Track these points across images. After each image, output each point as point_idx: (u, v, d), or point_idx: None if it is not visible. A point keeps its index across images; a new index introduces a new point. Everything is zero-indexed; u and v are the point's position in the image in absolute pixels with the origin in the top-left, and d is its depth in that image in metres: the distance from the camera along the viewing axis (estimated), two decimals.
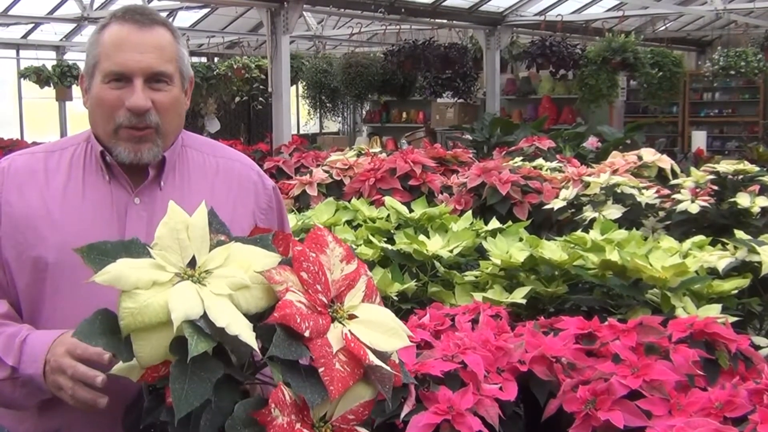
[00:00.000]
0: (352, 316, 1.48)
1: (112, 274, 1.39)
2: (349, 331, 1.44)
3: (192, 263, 1.46)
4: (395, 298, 2.97)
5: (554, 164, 5.56)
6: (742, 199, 3.96)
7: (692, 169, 4.68)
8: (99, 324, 1.41)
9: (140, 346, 1.38)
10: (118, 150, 1.86)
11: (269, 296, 1.44)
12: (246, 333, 1.37)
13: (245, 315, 1.42)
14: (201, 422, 1.36)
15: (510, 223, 3.65)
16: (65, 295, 1.80)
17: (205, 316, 1.37)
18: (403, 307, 2.96)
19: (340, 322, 1.46)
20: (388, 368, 1.44)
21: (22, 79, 13.14)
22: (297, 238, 3.37)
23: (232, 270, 1.45)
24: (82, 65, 2.00)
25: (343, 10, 11.15)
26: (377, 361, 1.42)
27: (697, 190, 4.14)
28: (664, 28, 15.79)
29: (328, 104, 14.05)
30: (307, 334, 1.40)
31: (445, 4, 11.97)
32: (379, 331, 1.48)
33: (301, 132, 16.83)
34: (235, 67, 12.50)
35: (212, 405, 1.37)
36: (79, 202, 1.87)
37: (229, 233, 1.56)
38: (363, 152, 6.39)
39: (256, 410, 1.37)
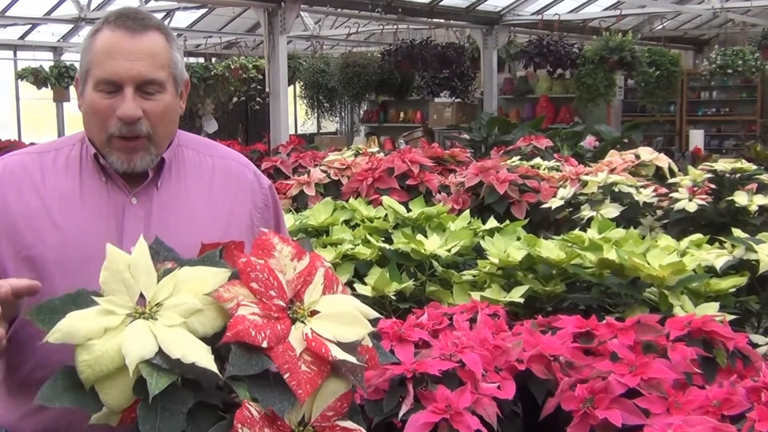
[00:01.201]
0: (314, 312, 1.47)
1: (63, 331, 1.38)
2: (311, 329, 1.43)
3: (142, 299, 1.44)
4: (393, 297, 2.97)
5: (552, 163, 5.56)
6: (740, 198, 3.96)
7: (690, 167, 4.68)
8: (61, 383, 1.39)
9: (106, 394, 1.36)
10: (111, 159, 1.85)
11: (224, 314, 1.42)
12: (203, 358, 1.35)
13: (205, 338, 1.40)
14: None
15: (508, 222, 3.65)
16: (62, 294, 1.79)
17: (160, 351, 1.35)
18: (401, 306, 2.96)
19: (301, 322, 1.44)
20: (352, 359, 1.42)
21: (19, 80, 13.13)
22: (295, 238, 3.37)
23: (182, 297, 1.43)
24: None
25: (340, 10, 11.15)
26: (341, 355, 1.41)
27: (695, 189, 4.14)
28: (661, 26, 15.79)
29: (325, 104, 14.06)
30: (264, 344, 1.38)
31: (442, 3, 11.98)
32: (342, 321, 1.47)
33: (299, 132, 16.85)
34: (232, 67, 12.49)
35: None
36: (78, 202, 1.86)
37: (177, 258, 1.54)
38: (361, 152, 6.39)
39: None
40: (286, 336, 1.41)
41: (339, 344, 1.43)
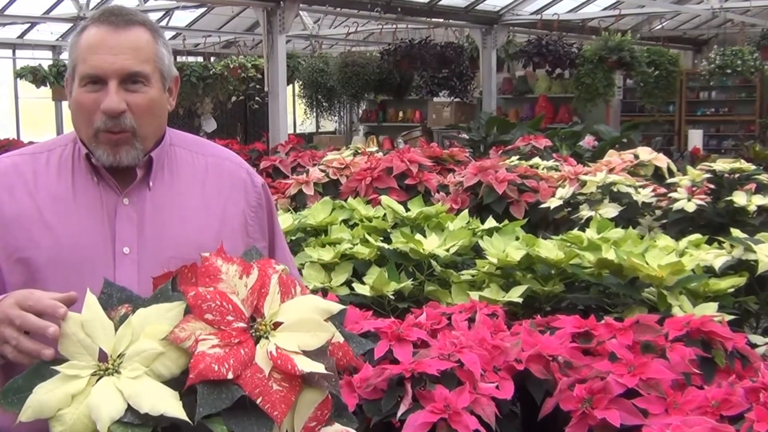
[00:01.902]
0: (277, 324, 1.44)
1: (33, 408, 1.36)
2: (275, 346, 1.40)
3: (104, 355, 1.42)
4: (392, 297, 2.97)
5: (551, 163, 5.57)
6: (739, 198, 3.96)
7: (689, 167, 4.68)
8: None
9: None
10: (98, 153, 1.85)
11: (186, 352, 1.39)
12: (171, 407, 1.33)
13: (174, 379, 1.37)
14: None
15: (506, 222, 3.65)
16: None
17: (129, 408, 1.33)
18: (399, 306, 2.96)
19: (266, 338, 1.41)
20: (321, 368, 1.39)
21: (18, 78, 13.13)
22: (292, 238, 3.37)
23: (141, 344, 1.39)
24: None
25: (339, 9, 11.15)
26: (308, 367, 1.38)
27: (694, 189, 4.14)
28: (660, 26, 15.79)
29: (324, 104, 14.04)
30: (230, 376, 1.35)
31: (441, 3, 11.97)
32: (304, 329, 1.44)
33: (298, 131, 16.84)
34: (231, 66, 12.48)
35: None
36: (71, 204, 1.85)
37: (131, 297, 1.50)
38: (359, 151, 6.39)
39: None
40: (252, 359, 1.38)
41: (306, 352, 1.41)
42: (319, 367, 1.39)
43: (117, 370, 1.39)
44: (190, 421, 1.33)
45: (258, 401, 1.35)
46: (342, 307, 1.51)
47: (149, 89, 1.85)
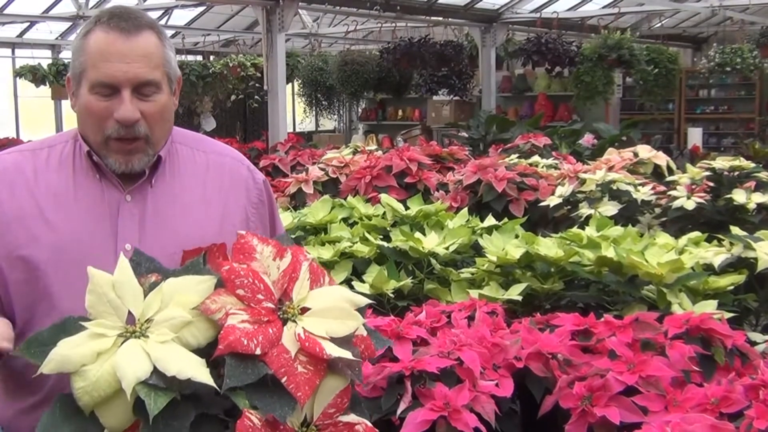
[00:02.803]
0: (304, 309, 1.45)
1: (56, 361, 1.36)
2: (303, 329, 1.41)
3: (131, 317, 1.42)
4: (391, 295, 2.97)
5: (550, 161, 5.57)
6: (738, 196, 3.96)
7: (688, 165, 4.68)
8: (59, 412, 1.38)
9: (106, 418, 1.35)
10: (109, 161, 1.85)
11: (216, 323, 1.41)
12: (199, 373, 1.34)
13: (199, 349, 1.38)
14: None
15: (506, 220, 3.65)
16: (59, 294, 1.79)
17: (155, 370, 1.33)
18: (399, 304, 2.96)
19: (293, 321, 1.43)
20: (349, 354, 1.41)
21: (17, 77, 13.13)
22: (292, 236, 3.36)
23: (171, 311, 1.41)
24: None
25: (338, 7, 11.15)
26: (336, 352, 1.39)
27: (693, 187, 4.14)
28: (659, 24, 15.80)
29: (323, 102, 14.06)
30: (258, 351, 1.36)
31: (440, 1, 11.97)
32: (332, 316, 1.45)
33: (297, 130, 16.84)
34: (230, 65, 12.48)
35: None
36: (71, 201, 1.85)
37: (160, 268, 1.52)
38: (359, 150, 6.40)
39: None
40: (279, 339, 1.40)
41: (332, 339, 1.42)
42: (346, 354, 1.41)
43: (144, 333, 1.40)
44: (217, 388, 1.34)
45: (283, 380, 1.36)
46: (368, 301, 1.53)
47: (160, 96, 1.86)
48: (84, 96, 1.84)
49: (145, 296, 1.45)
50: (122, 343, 1.39)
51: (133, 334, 1.40)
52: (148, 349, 1.36)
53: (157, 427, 1.32)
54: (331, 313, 1.46)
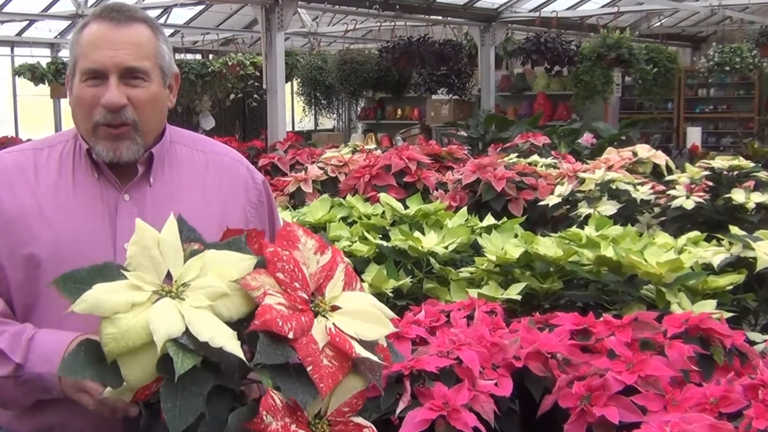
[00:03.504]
0: (334, 307, 1.47)
1: (89, 302, 1.38)
2: (333, 324, 1.43)
3: (168, 278, 1.44)
4: (390, 294, 2.97)
5: (549, 161, 5.57)
6: (737, 195, 3.96)
7: (687, 165, 4.68)
8: (83, 355, 1.40)
9: (128, 369, 1.37)
10: (98, 149, 1.86)
11: (250, 301, 1.43)
12: (231, 343, 1.36)
13: (228, 322, 1.40)
14: None
15: (505, 219, 3.65)
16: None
17: (187, 332, 1.35)
18: (398, 303, 2.96)
19: (323, 316, 1.45)
20: (375, 358, 1.43)
21: (16, 76, 13.11)
22: None
23: (209, 280, 1.43)
24: None
25: (337, 6, 11.15)
26: (364, 353, 1.41)
27: (692, 186, 4.14)
28: (659, 24, 15.79)
29: (323, 101, 14.05)
30: (290, 335, 1.38)
31: (439, 0, 11.96)
32: (363, 319, 1.47)
33: (296, 129, 16.83)
34: (229, 64, 12.47)
35: (206, 417, 1.36)
36: (71, 199, 1.86)
37: (201, 239, 1.54)
38: (358, 149, 6.39)
39: (248, 420, 1.36)
40: (310, 328, 1.42)
41: (359, 342, 1.44)
42: (373, 356, 1.43)
43: (179, 295, 1.42)
44: (246, 361, 1.36)
45: (308, 369, 1.38)
46: (393, 315, 1.55)
47: (150, 84, 1.87)
48: (76, 86, 1.87)
49: (185, 261, 1.47)
50: (156, 300, 1.41)
51: (169, 294, 1.42)
52: (182, 311, 1.38)
53: (176, 390, 1.34)
54: (361, 315, 1.48)
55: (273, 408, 1.36)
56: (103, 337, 1.36)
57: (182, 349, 1.34)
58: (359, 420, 1.48)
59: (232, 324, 1.41)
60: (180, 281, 1.44)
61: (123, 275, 1.44)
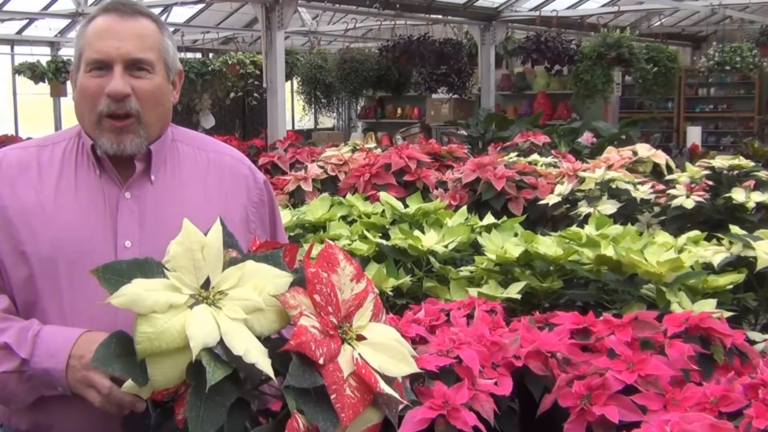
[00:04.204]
0: (360, 337, 1.46)
1: (128, 297, 1.38)
2: (359, 355, 1.42)
3: (206, 284, 1.44)
4: (390, 293, 2.97)
5: (549, 160, 5.56)
6: (738, 195, 3.96)
7: (687, 164, 4.68)
8: (114, 348, 1.40)
9: (155, 370, 1.37)
10: (101, 141, 1.86)
11: (282, 319, 1.42)
12: (262, 361, 1.36)
13: (258, 338, 1.40)
14: None
15: (505, 218, 3.64)
16: (60, 290, 1.80)
17: (221, 342, 1.35)
18: (398, 302, 2.96)
19: (349, 344, 1.44)
20: (396, 394, 1.42)
21: (16, 75, 13.10)
22: (291, 234, 3.35)
23: (246, 292, 1.42)
24: None
25: (338, 5, 11.15)
26: (387, 389, 1.41)
27: (693, 186, 4.14)
28: (659, 23, 15.78)
29: (323, 100, 14.04)
30: (321, 361, 1.38)
31: None
32: (388, 354, 1.46)
33: (296, 128, 16.82)
34: (229, 62, 12.46)
35: (225, 428, 1.36)
36: (72, 197, 1.86)
37: (239, 247, 1.54)
38: (358, 148, 6.39)
39: None
40: (337, 356, 1.41)
41: (382, 376, 1.43)
42: (394, 393, 1.43)
43: (215, 303, 1.41)
44: (275, 380, 1.36)
45: (332, 397, 1.37)
46: (414, 354, 1.55)
47: (154, 76, 1.88)
48: (80, 77, 1.88)
49: (224, 269, 1.46)
50: (192, 305, 1.40)
51: (206, 300, 1.42)
52: (218, 320, 1.38)
53: (201, 399, 1.34)
54: (386, 350, 1.48)
55: (296, 431, 1.36)
56: (137, 335, 1.36)
57: (215, 359, 1.34)
58: None
59: (260, 340, 1.41)
60: (217, 288, 1.44)
61: (162, 273, 1.44)
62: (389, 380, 1.45)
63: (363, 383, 1.40)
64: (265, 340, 1.41)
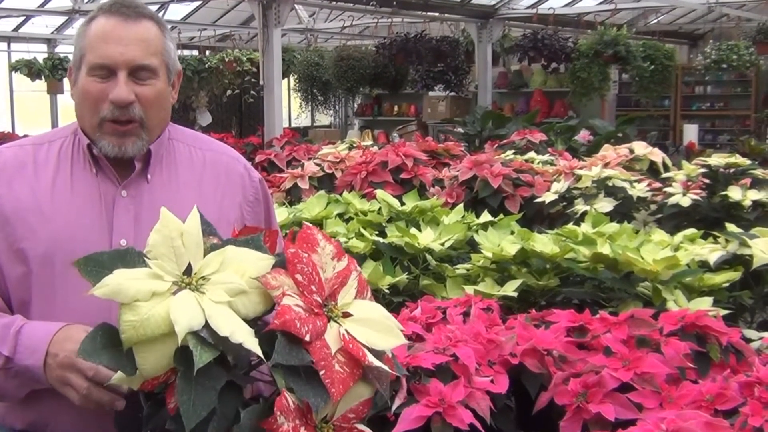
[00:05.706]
0: (346, 314, 1.47)
1: (110, 287, 1.38)
2: (346, 330, 1.44)
3: (188, 270, 1.45)
4: (387, 291, 2.97)
5: (546, 157, 5.56)
6: (734, 193, 3.97)
7: (684, 162, 4.68)
8: (100, 339, 1.40)
9: (143, 358, 1.37)
10: (102, 143, 1.86)
11: (267, 300, 1.43)
12: (249, 340, 1.36)
13: (244, 320, 1.40)
14: (208, 430, 1.36)
15: (501, 216, 3.65)
16: (55, 288, 1.80)
17: (207, 325, 1.36)
18: (394, 300, 2.96)
19: (335, 321, 1.45)
20: (385, 367, 1.43)
21: (13, 72, 13.10)
22: (287, 232, 3.36)
23: (228, 275, 1.43)
24: None
25: (334, 2, 11.16)
26: (376, 362, 1.42)
27: (689, 184, 4.14)
28: (656, 21, 15.81)
29: (319, 97, 14.04)
30: (307, 338, 1.39)
31: None
32: (375, 329, 1.47)
33: (293, 125, 16.81)
34: (226, 60, 12.47)
35: (217, 412, 1.37)
36: (68, 195, 1.86)
37: (218, 234, 1.54)
38: (354, 145, 6.39)
39: (262, 418, 1.37)
40: (323, 333, 1.42)
41: (370, 350, 1.44)
42: (383, 365, 1.44)
43: (198, 288, 1.42)
44: (264, 359, 1.37)
45: (321, 373, 1.38)
46: (403, 328, 1.55)
47: (157, 81, 1.88)
48: (82, 79, 1.87)
49: (205, 255, 1.47)
50: (175, 291, 1.41)
51: (188, 286, 1.43)
52: (202, 304, 1.39)
53: (191, 383, 1.34)
54: (373, 324, 1.48)
55: (286, 409, 1.36)
56: (121, 324, 1.37)
57: (201, 343, 1.35)
58: (362, 427, 1.48)
59: (246, 322, 1.41)
60: (199, 274, 1.44)
61: (144, 262, 1.44)
62: (378, 354, 1.46)
63: (351, 358, 1.41)
64: (252, 324, 1.41)
